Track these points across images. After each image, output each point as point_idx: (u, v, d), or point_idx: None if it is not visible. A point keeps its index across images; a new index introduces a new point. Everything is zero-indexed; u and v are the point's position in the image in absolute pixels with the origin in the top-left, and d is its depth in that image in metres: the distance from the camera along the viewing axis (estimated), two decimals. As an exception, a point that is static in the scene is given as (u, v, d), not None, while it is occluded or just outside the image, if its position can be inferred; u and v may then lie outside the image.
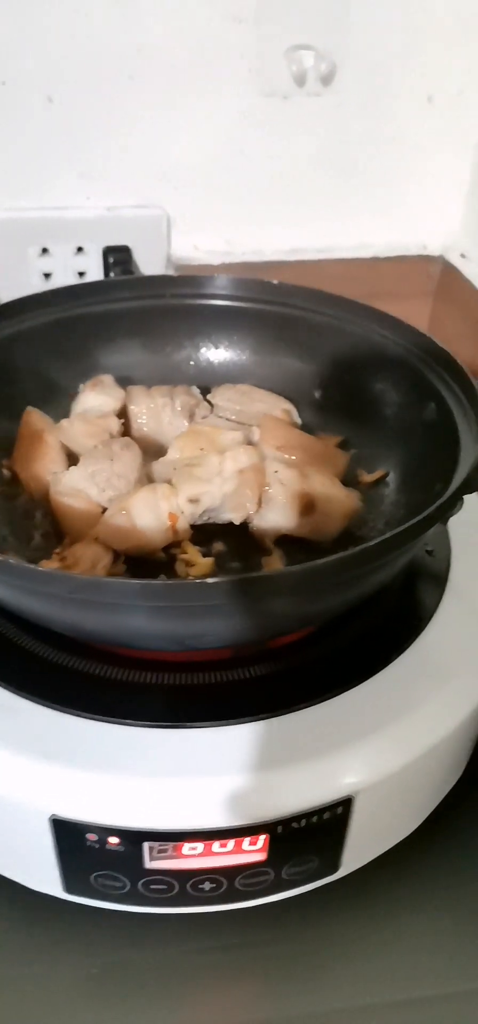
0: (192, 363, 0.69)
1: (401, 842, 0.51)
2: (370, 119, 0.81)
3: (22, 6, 0.69)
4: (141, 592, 0.38)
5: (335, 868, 0.48)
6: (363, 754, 0.44)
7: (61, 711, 0.44)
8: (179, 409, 0.65)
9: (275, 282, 0.68)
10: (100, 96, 0.75)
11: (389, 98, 0.80)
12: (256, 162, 0.81)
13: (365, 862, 0.50)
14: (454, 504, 0.46)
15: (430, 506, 0.46)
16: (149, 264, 0.82)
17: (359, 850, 0.48)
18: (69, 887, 0.45)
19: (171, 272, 0.82)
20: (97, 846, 0.42)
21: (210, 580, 0.38)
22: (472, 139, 0.82)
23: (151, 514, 0.53)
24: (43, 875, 0.45)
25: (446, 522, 0.54)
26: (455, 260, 0.85)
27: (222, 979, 0.47)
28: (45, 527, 0.57)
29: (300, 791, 0.43)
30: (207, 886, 0.45)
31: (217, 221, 0.84)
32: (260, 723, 0.44)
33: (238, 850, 0.43)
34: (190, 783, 0.42)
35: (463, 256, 0.85)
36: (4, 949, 0.47)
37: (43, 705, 0.44)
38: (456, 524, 0.55)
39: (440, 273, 0.88)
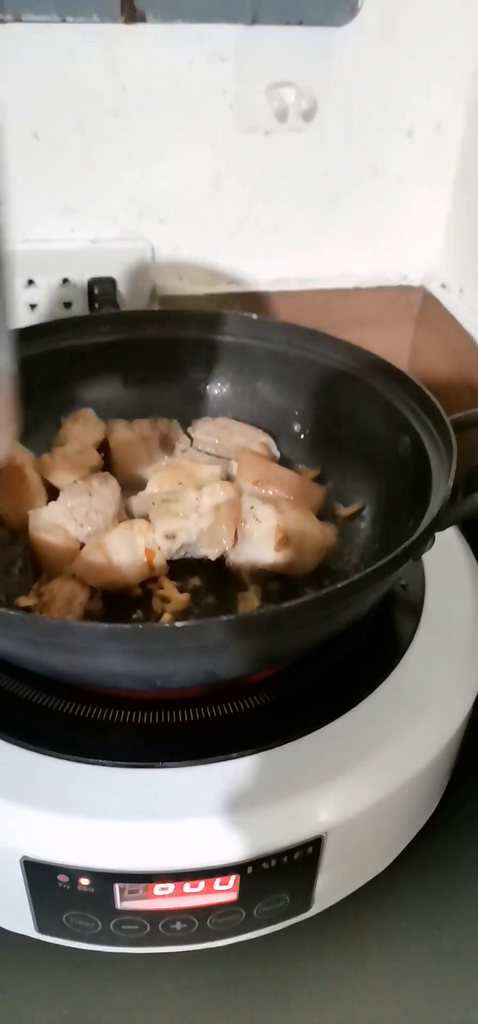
0: (173, 397, 0.70)
1: (376, 877, 0.52)
2: (351, 153, 0.82)
3: (9, 45, 0.70)
4: (109, 635, 0.38)
5: (307, 906, 0.48)
6: (334, 793, 0.45)
7: (33, 750, 0.44)
8: (159, 443, 0.66)
9: (254, 316, 0.69)
10: (85, 132, 0.75)
11: (369, 132, 0.81)
12: (239, 195, 0.81)
13: (338, 899, 0.50)
14: (424, 543, 0.47)
15: (403, 542, 0.46)
16: (135, 295, 0.82)
17: (331, 888, 0.48)
18: (41, 927, 0.45)
19: (156, 303, 0.83)
20: (68, 887, 0.42)
21: (178, 624, 0.38)
22: (451, 172, 0.83)
23: (127, 550, 0.54)
24: (15, 915, 0.45)
25: (418, 559, 0.54)
26: (435, 290, 0.86)
27: (194, 1018, 0.47)
28: (24, 561, 0.57)
29: (270, 832, 0.43)
30: (179, 926, 0.45)
31: (201, 253, 0.84)
32: (231, 762, 0.45)
33: (209, 890, 0.44)
34: (160, 826, 0.42)
35: (443, 286, 0.86)
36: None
37: (15, 744, 0.45)
38: (431, 556, 0.55)
39: (421, 303, 0.89)
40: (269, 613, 0.40)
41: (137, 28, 0.70)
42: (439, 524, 0.47)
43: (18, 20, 0.66)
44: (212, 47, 0.72)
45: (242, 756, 0.45)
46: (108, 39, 0.71)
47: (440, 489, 0.49)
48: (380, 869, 0.52)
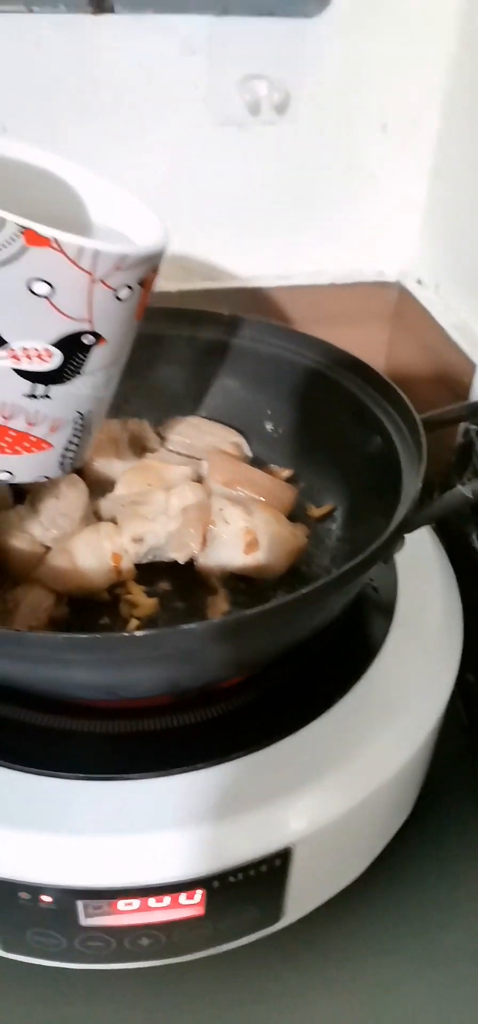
0: (143, 395, 0.68)
1: (349, 885, 0.51)
2: (325, 147, 0.81)
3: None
4: (67, 646, 0.37)
5: (277, 918, 0.47)
6: (302, 802, 0.44)
7: (-10, 763, 0.43)
8: (129, 443, 0.64)
9: (226, 313, 0.68)
10: (54, 125, 0.74)
11: (344, 126, 0.80)
12: (212, 190, 0.80)
13: (309, 910, 0.49)
14: (392, 545, 0.46)
15: (373, 543, 0.45)
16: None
17: (301, 899, 0.47)
18: (5, 944, 0.44)
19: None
20: (30, 904, 0.41)
21: (138, 633, 0.37)
22: (426, 167, 0.82)
23: (94, 555, 0.52)
24: (-24, 933, 0.44)
25: (387, 561, 0.53)
26: (411, 286, 0.85)
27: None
28: (-11, 567, 0.56)
29: (236, 845, 0.42)
30: (145, 941, 0.44)
31: (174, 249, 0.83)
32: (195, 773, 0.44)
33: (175, 905, 0.43)
34: (123, 840, 0.41)
35: (419, 282, 0.85)
36: None
37: (-27, 758, 0.43)
38: (403, 556, 0.54)
39: (397, 299, 0.88)
40: (232, 620, 0.39)
41: (106, 19, 0.68)
42: (408, 526, 0.46)
43: (-18, 10, 0.65)
44: (183, 39, 0.71)
45: (208, 766, 0.44)
46: (77, 30, 0.69)
47: (410, 490, 0.49)
48: (353, 877, 0.51)
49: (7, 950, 0.45)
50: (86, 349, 0.38)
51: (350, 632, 0.53)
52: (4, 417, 0.39)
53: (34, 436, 0.41)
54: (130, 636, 0.37)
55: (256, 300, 0.85)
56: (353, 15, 0.73)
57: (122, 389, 0.69)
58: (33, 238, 0.33)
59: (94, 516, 0.58)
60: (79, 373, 0.39)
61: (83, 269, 0.35)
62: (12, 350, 0.36)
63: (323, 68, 0.76)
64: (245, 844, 0.42)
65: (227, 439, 0.65)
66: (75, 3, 0.67)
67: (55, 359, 0.37)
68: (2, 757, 0.43)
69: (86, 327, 0.37)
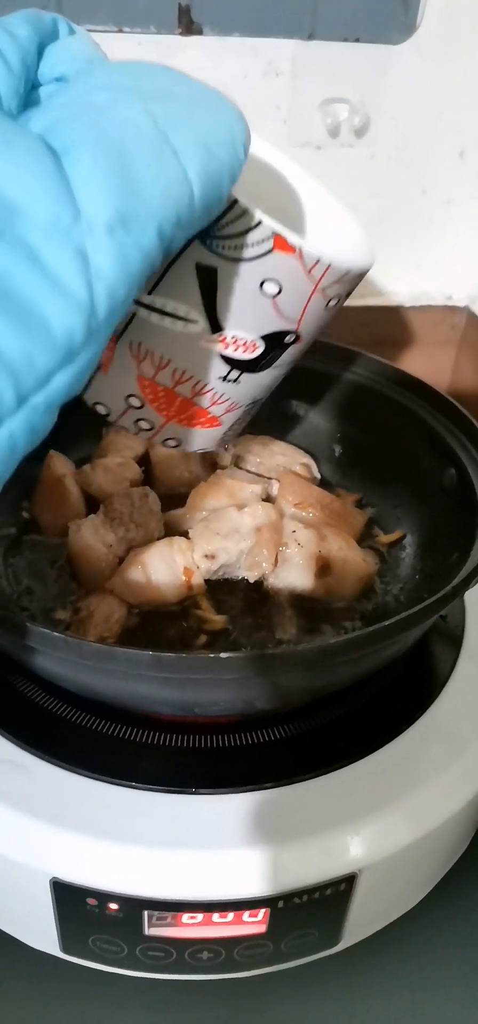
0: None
1: (406, 912, 0.51)
2: (401, 171, 0.81)
3: None
4: (153, 664, 0.38)
5: (336, 941, 0.47)
6: (369, 830, 0.44)
7: (66, 769, 0.44)
8: (200, 459, 0.65)
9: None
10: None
11: (421, 152, 0.80)
12: (287, 209, 0.81)
13: (367, 935, 0.49)
14: (471, 582, 0.46)
15: (446, 575, 0.45)
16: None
17: (361, 924, 0.47)
18: (67, 947, 0.45)
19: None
20: (97, 911, 0.42)
21: (223, 656, 0.38)
22: (502, 195, 0.82)
23: (167, 568, 0.53)
24: (42, 934, 0.45)
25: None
26: (481, 312, 0.85)
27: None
28: (62, 573, 0.57)
29: (303, 867, 0.42)
30: (205, 955, 0.44)
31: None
32: (265, 792, 0.44)
33: (238, 922, 0.43)
34: (192, 855, 0.41)
35: (489, 309, 0.85)
36: (3, 1002, 0.47)
37: (50, 763, 0.44)
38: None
39: (464, 324, 0.88)
40: (314, 649, 0.40)
41: (193, 40, 0.70)
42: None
43: (75, 29, 0.66)
44: (268, 61, 0.72)
45: (277, 786, 0.44)
46: (164, 50, 0.70)
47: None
48: (411, 905, 0.51)
49: (66, 952, 0.46)
50: (285, 347, 0.39)
51: (418, 662, 0.53)
52: (194, 393, 0.40)
53: (212, 414, 0.42)
54: (216, 657, 0.38)
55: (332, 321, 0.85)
56: (437, 42, 0.74)
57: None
58: (281, 243, 0.34)
59: (166, 529, 0.59)
60: (270, 366, 0.40)
61: (312, 278, 0.36)
62: (224, 337, 0.37)
63: (404, 94, 0.76)
64: (313, 867, 0.42)
65: (297, 460, 0.66)
66: (165, 24, 0.68)
67: (258, 351, 0.38)
68: (78, 765, 0.44)
69: (293, 328, 0.38)
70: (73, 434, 0.64)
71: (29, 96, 0.29)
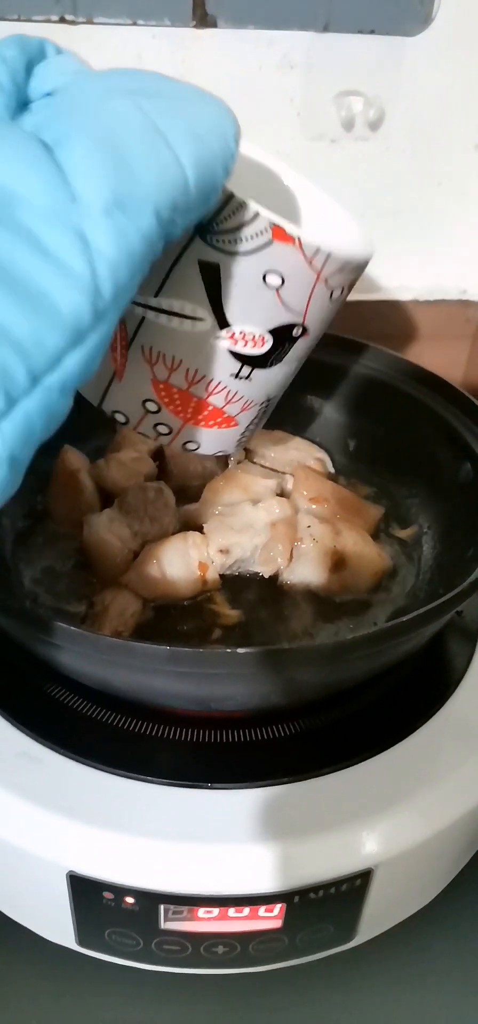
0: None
1: (421, 908, 0.51)
2: (416, 164, 0.80)
3: (79, 47, 0.69)
4: (170, 658, 0.38)
5: (351, 936, 0.47)
6: (385, 826, 0.44)
7: (85, 764, 0.44)
8: (213, 452, 0.65)
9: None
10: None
11: (436, 144, 0.79)
12: (300, 202, 0.81)
13: (382, 930, 0.49)
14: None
15: (462, 570, 0.45)
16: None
17: (377, 920, 0.47)
18: (82, 940, 0.45)
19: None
20: (113, 904, 0.42)
21: (240, 651, 0.38)
22: (518, 188, 0.82)
23: (181, 563, 0.53)
24: (58, 927, 0.45)
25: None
26: (496, 307, 0.85)
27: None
28: (76, 566, 0.57)
29: (319, 863, 0.42)
30: (220, 949, 0.45)
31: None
32: (281, 787, 0.44)
33: (254, 916, 0.43)
34: (209, 850, 0.41)
35: (505, 303, 0.85)
36: (19, 994, 0.47)
37: (65, 756, 0.45)
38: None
39: (480, 319, 0.88)
40: (331, 645, 0.40)
41: (207, 32, 0.69)
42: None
43: (89, 22, 0.66)
44: (282, 54, 0.72)
45: (293, 782, 0.44)
46: (177, 43, 0.70)
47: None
48: (427, 901, 0.51)
49: (82, 945, 0.46)
50: (293, 340, 0.40)
51: (434, 657, 0.53)
52: (209, 392, 0.41)
53: (227, 413, 0.43)
54: (234, 652, 0.38)
55: (337, 315, 0.85)
56: (453, 34, 0.73)
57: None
58: (279, 234, 0.35)
59: (180, 523, 0.59)
60: (280, 361, 0.41)
61: (314, 268, 0.36)
62: (232, 332, 0.38)
63: (419, 86, 0.76)
64: (329, 862, 0.42)
65: (311, 455, 0.66)
66: (179, 17, 0.68)
67: (266, 346, 0.39)
68: (95, 759, 0.44)
69: (299, 320, 0.39)
70: (87, 428, 0.64)
71: (20, 114, 0.30)
